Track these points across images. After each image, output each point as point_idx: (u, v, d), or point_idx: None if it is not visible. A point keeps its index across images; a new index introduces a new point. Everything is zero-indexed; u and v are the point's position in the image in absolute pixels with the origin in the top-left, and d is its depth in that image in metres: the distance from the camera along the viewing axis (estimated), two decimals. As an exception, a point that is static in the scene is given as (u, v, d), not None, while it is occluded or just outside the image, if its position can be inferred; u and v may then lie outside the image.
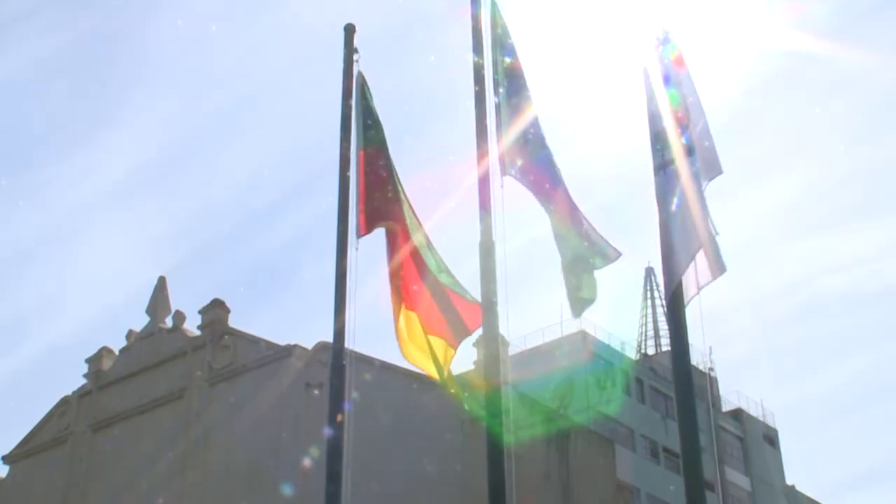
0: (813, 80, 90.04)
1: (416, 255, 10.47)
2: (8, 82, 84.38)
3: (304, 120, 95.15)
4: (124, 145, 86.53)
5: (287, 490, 23.52)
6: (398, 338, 10.16)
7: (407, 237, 10.51)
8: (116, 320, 77.62)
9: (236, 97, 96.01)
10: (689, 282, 7.83)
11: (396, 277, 10.37)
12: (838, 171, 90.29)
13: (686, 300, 7.79)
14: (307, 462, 23.19)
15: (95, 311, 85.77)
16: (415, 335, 10.11)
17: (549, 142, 9.88)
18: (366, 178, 10.84)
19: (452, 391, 10.31)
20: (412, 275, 10.39)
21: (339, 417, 9.75)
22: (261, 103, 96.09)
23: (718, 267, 7.80)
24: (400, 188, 10.85)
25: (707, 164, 8.13)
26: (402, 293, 10.27)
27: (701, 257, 7.79)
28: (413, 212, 10.80)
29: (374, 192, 10.79)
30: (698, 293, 7.85)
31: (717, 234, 7.91)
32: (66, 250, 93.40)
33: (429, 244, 10.57)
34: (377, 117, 11.22)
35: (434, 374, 10.08)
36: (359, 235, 10.56)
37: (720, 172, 8.12)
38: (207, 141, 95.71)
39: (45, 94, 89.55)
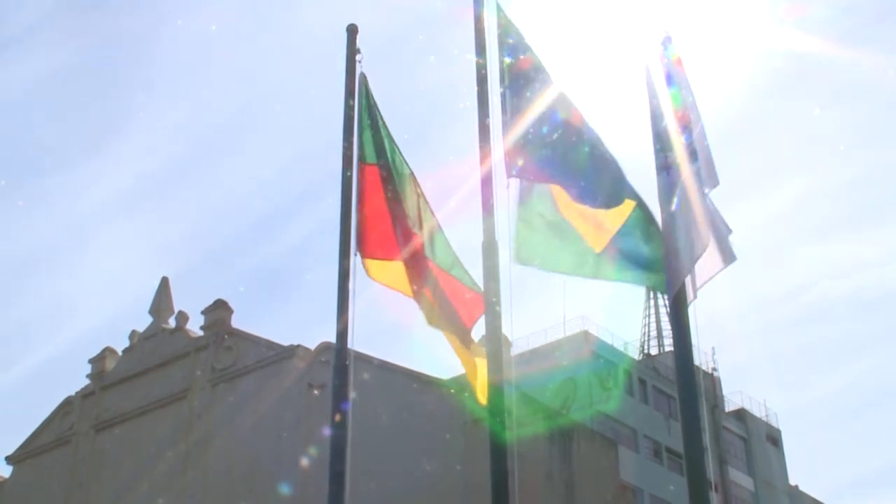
0: (816, 83, 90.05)
1: (418, 263, 10.38)
2: (17, 92, 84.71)
3: (308, 125, 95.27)
4: (131, 153, 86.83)
5: (287, 490, 23.53)
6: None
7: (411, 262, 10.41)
8: (120, 322, 77.72)
9: (241, 104, 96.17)
10: (699, 275, 7.82)
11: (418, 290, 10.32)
12: (842, 176, 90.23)
13: (690, 299, 7.78)
14: (308, 462, 23.20)
15: (99, 314, 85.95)
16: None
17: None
18: (361, 196, 10.68)
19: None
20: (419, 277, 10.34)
21: (338, 417, 9.72)
22: (265, 110, 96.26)
23: (729, 256, 7.85)
24: (404, 201, 10.65)
25: (707, 172, 8.14)
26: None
27: (706, 252, 7.78)
28: (423, 208, 10.66)
29: (367, 220, 10.61)
30: (708, 281, 7.85)
31: (730, 232, 7.95)
32: (73, 257, 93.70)
33: (432, 244, 10.46)
34: (380, 121, 11.10)
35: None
36: (356, 252, 10.46)
37: (717, 184, 8.15)
38: (213, 148, 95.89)
39: (53, 104, 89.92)
